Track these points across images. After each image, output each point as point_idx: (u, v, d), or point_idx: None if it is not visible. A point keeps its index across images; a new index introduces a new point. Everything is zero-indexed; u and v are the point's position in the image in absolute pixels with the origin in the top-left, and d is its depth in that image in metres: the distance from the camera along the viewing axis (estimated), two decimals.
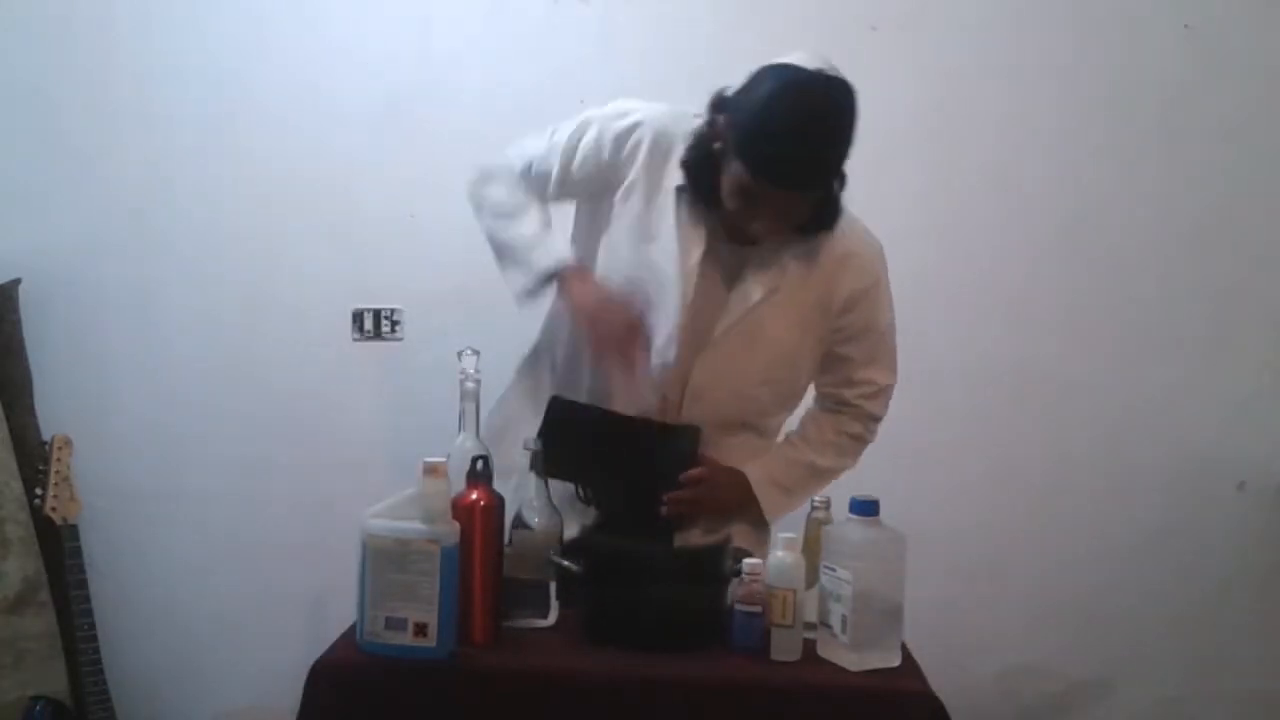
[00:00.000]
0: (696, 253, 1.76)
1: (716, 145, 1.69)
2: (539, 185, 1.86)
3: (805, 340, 1.84)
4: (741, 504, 1.87)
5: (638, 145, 1.78)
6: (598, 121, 1.82)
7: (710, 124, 1.71)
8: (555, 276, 1.78)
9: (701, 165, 1.71)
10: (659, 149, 1.77)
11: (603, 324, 1.76)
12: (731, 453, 1.87)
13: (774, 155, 1.61)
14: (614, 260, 1.81)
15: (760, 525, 1.90)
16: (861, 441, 1.94)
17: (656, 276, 1.77)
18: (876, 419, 1.93)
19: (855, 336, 1.86)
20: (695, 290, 1.76)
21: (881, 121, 2.45)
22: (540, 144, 1.86)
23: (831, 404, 1.93)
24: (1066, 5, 2.47)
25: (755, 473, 1.87)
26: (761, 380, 1.85)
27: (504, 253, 1.85)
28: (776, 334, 1.81)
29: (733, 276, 1.80)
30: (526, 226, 1.83)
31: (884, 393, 1.92)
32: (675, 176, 1.77)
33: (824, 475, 1.90)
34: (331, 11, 2.53)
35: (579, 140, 1.82)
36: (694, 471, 1.82)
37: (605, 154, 1.80)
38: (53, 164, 2.56)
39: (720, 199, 1.70)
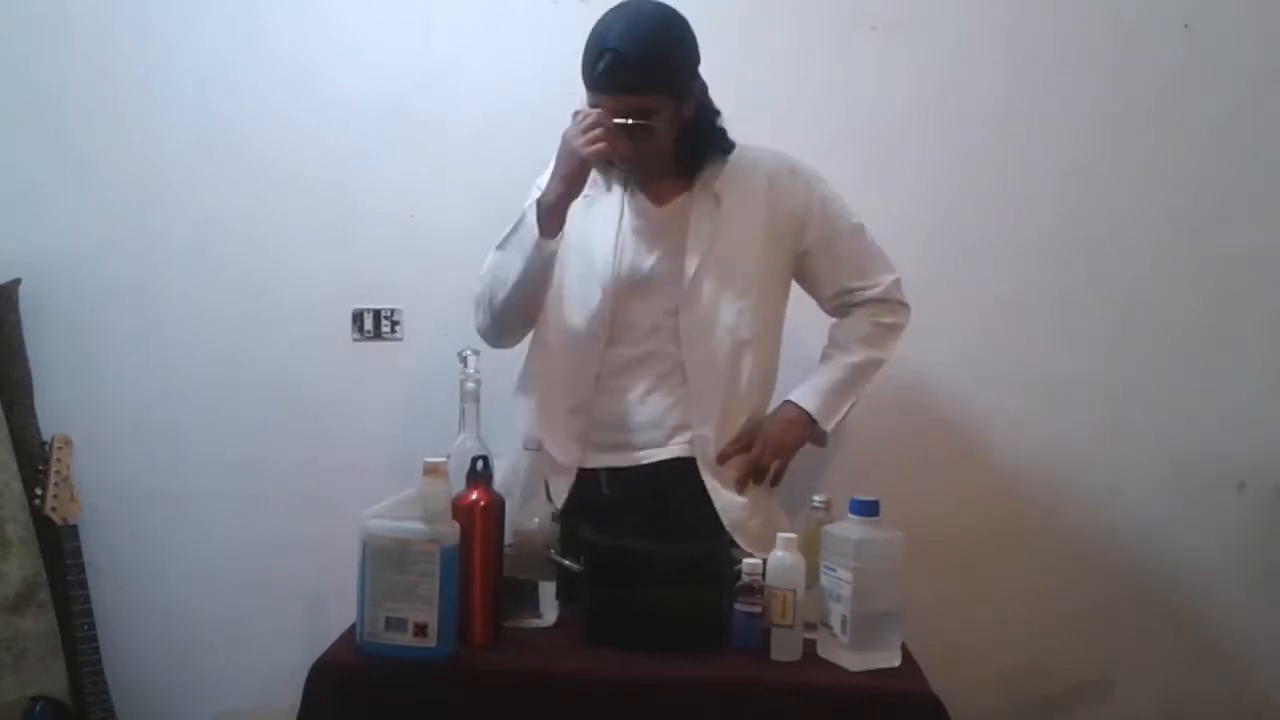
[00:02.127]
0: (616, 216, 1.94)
1: None
2: None
3: (768, 259, 1.95)
4: (801, 431, 1.97)
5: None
6: (533, 185, 1.95)
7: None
8: (538, 205, 1.85)
9: None
10: None
11: (565, 141, 1.83)
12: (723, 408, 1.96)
13: (592, 66, 1.78)
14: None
15: (822, 441, 2.01)
16: (892, 329, 2.02)
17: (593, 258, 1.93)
18: (898, 305, 2.04)
19: (823, 250, 1.98)
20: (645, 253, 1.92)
21: (881, 120, 2.49)
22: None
23: (848, 309, 2.03)
24: (1066, 5, 2.47)
25: (798, 392, 1.98)
26: (739, 308, 1.92)
27: (509, 262, 1.89)
28: (745, 257, 1.93)
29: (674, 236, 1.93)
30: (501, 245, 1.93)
31: (890, 289, 2.02)
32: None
33: (864, 370, 2.01)
34: (332, 11, 2.53)
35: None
36: (739, 442, 1.93)
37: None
38: (53, 164, 2.56)
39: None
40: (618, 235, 1.93)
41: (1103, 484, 2.50)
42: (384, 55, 2.52)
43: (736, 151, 1.96)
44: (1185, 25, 2.45)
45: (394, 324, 2.55)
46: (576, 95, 2.44)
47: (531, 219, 1.83)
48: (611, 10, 1.82)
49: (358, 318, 2.55)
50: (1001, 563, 2.50)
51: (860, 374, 2.01)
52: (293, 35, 2.53)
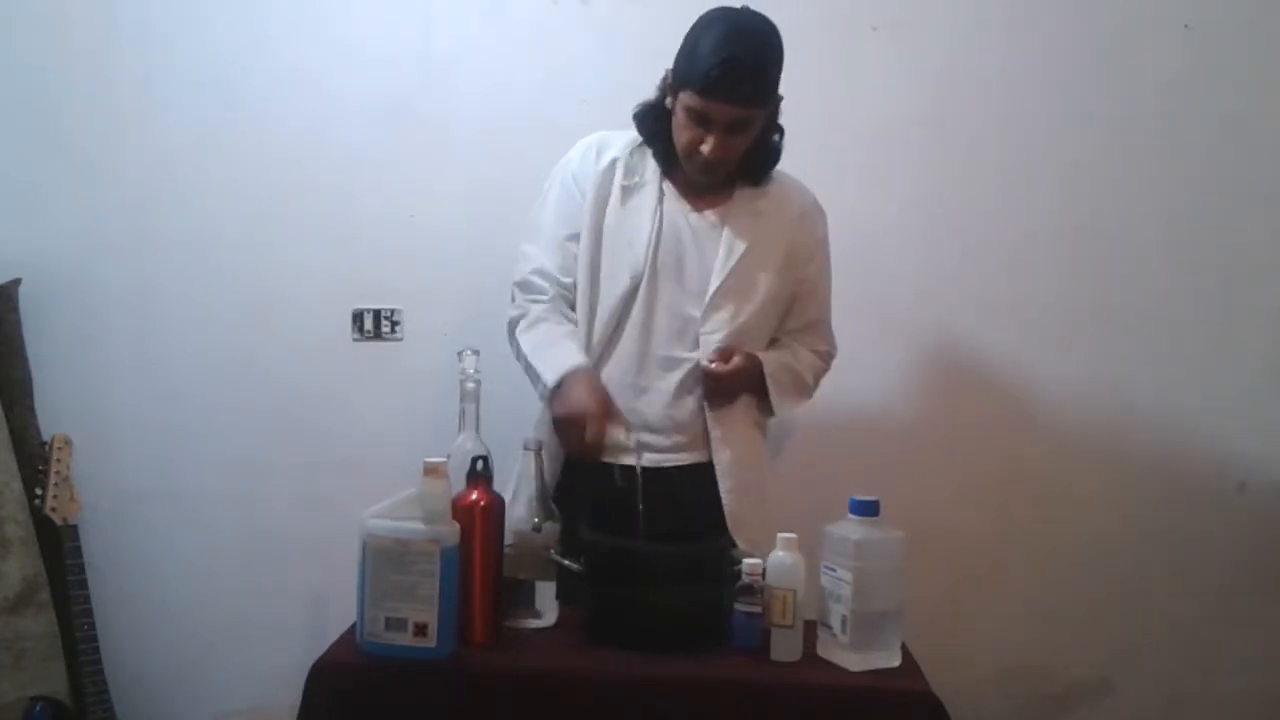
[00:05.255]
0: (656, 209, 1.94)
1: (667, 101, 1.88)
2: (553, 279, 1.97)
3: (779, 283, 1.97)
4: (750, 390, 1.97)
5: (591, 158, 1.97)
6: (556, 177, 1.99)
7: (660, 87, 1.90)
8: (554, 388, 1.89)
9: (646, 116, 1.92)
10: (605, 152, 1.97)
11: (564, 436, 1.90)
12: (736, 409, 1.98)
13: (707, 72, 1.76)
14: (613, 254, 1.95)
15: (764, 415, 2.02)
16: (825, 365, 2.08)
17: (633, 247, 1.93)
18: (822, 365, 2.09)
19: (811, 291, 2.03)
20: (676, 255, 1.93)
21: (881, 121, 2.49)
22: (534, 244, 1.99)
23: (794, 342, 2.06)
24: (1066, 5, 2.47)
25: (769, 364, 1.96)
26: (757, 324, 1.96)
27: (526, 366, 1.97)
28: (764, 279, 1.95)
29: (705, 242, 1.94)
30: (537, 337, 1.95)
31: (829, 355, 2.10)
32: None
33: (804, 390, 2.05)
34: (331, 11, 2.53)
35: (550, 203, 1.99)
36: (735, 357, 1.91)
37: (577, 192, 1.96)
38: (53, 164, 2.56)
39: (671, 151, 1.90)
40: (653, 227, 1.93)
41: (1103, 483, 2.50)
42: (384, 55, 2.52)
43: (780, 174, 1.98)
44: (1185, 25, 2.45)
45: (394, 324, 2.55)
46: (576, 94, 2.45)
47: (549, 378, 1.89)
48: (719, 13, 1.82)
49: (358, 318, 2.55)
50: (1001, 563, 2.50)
51: (800, 393, 2.04)
52: (292, 35, 2.53)
